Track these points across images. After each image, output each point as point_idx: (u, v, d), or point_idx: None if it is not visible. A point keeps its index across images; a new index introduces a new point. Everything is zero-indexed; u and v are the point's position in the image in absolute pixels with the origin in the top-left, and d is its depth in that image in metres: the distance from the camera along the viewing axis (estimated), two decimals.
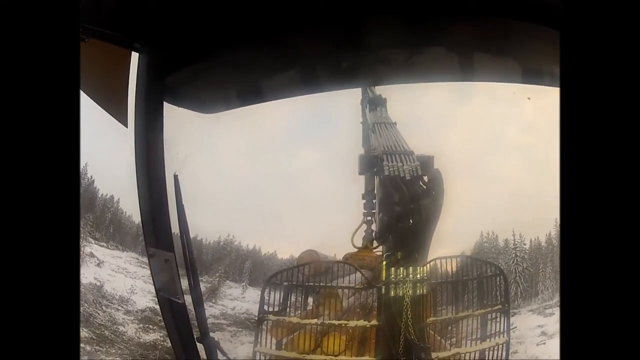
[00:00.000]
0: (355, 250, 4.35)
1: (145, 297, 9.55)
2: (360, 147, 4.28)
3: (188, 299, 2.36)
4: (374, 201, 4.28)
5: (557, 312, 9.24)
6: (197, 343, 2.39)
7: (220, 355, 2.49)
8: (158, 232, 2.22)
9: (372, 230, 4.38)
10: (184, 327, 2.33)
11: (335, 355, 3.55)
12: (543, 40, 2.54)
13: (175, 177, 2.25)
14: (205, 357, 2.43)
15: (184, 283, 2.34)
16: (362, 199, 4.42)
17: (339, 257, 4.45)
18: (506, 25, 2.54)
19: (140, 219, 2.32)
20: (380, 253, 4.14)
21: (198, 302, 2.38)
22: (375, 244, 4.34)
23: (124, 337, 9.17)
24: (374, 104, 2.94)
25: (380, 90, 3.26)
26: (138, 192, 2.30)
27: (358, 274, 3.93)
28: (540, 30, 2.45)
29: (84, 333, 8.44)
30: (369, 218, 4.42)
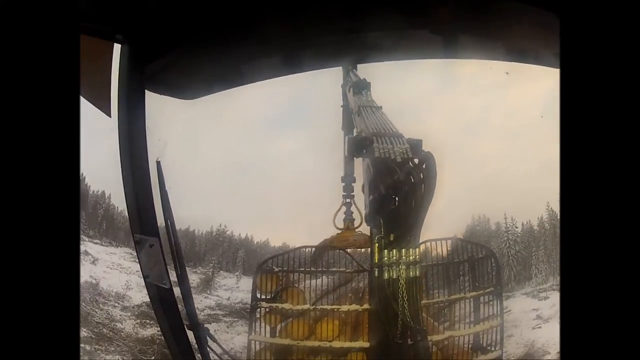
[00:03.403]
0: (338, 231, 4.40)
1: (140, 292, 9.51)
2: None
3: (177, 290, 2.37)
4: (353, 184, 4.41)
5: (551, 295, 9.29)
6: (187, 330, 2.39)
7: (210, 342, 2.50)
8: (142, 218, 2.23)
9: (352, 212, 4.45)
10: (173, 315, 2.33)
11: (329, 341, 3.56)
12: (529, 20, 2.54)
13: (158, 162, 2.25)
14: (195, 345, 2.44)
15: (173, 273, 2.34)
16: (342, 181, 4.50)
17: None
18: (490, 5, 2.54)
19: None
20: (362, 232, 4.25)
21: (185, 287, 2.37)
22: (356, 224, 4.41)
23: (122, 333, 9.16)
24: (358, 87, 2.90)
25: (364, 74, 3.25)
26: (123, 180, 2.30)
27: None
28: (525, 9, 2.45)
29: (83, 332, 8.41)
30: (348, 200, 4.50)
